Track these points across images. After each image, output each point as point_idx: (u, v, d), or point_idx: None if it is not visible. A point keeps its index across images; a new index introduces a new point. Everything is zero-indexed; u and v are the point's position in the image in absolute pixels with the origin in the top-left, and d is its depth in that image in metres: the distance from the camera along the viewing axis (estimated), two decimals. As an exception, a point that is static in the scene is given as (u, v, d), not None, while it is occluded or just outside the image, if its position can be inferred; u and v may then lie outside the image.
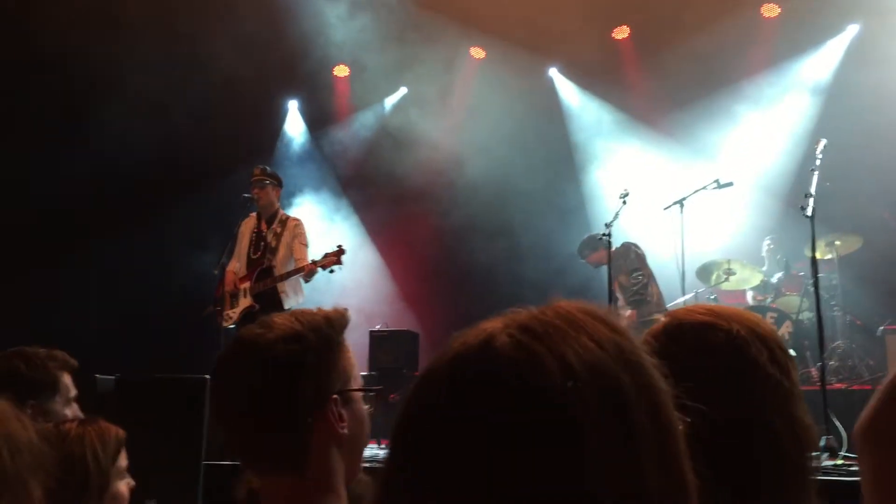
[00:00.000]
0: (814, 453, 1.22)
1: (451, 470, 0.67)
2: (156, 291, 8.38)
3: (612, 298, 6.34)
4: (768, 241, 8.13)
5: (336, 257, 6.11)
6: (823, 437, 4.62)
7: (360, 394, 1.47)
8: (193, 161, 8.84)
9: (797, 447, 1.18)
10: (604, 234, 6.32)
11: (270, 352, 1.38)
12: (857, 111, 7.74)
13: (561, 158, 9.51)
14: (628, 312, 6.96)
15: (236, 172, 7.33)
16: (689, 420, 1.03)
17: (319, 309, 1.48)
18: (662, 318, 1.32)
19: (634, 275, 7.09)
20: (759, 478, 1.16)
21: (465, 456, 0.66)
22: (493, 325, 0.73)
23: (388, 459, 0.73)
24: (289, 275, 6.35)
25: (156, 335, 8.00)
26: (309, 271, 6.18)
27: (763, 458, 1.16)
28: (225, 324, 6.37)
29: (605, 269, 6.59)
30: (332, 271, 6.20)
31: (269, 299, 6.34)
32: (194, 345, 6.63)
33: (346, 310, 1.50)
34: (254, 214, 6.67)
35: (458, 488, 0.66)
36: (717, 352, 1.20)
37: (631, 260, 7.15)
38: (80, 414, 2.55)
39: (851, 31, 8.61)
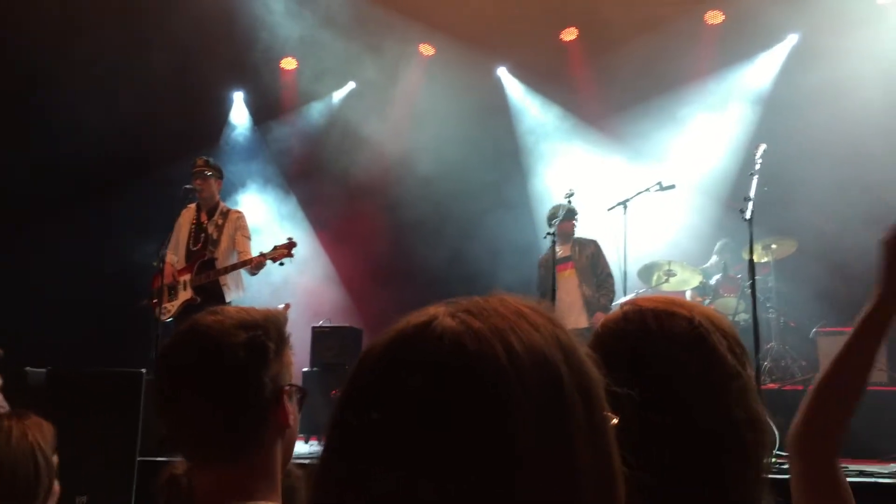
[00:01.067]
0: (772, 449, 1.22)
1: (384, 451, 0.67)
2: (92, 283, 8.17)
3: (554, 292, 6.41)
4: (723, 244, 8.26)
5: (287, 250, 6.02)
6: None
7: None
8: (135, 151, 8.65)
9: (757, 441, 1.17)
10: (549, 233, 6.38)
11: (232, 339, 1.35)
12: (795, 118, 7.95)
13: (508, 157, 9.56)
14: (589, 316, 6.98)
15: (179, 163, 7.19)
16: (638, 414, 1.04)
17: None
18: (620, 305, 1.30)
19: (609, 281, 7.17)
20: (723, 470, 1.15)
21: (399, 436, 0.66)
22: (436, 308, 0.74)
23: (326, 442, 0.73)
24: (234, 267, 6.25)
25: (91, 328, 7.82)
26: (257, 264, 6.08)
27: (727, 450, 1.14)
28: (163, 317, 6.24)
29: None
30: (281, 264, 6.11)
31: (210, 292, 6.23)
32: (130, 338, 6.50)
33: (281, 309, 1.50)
34: (193, 206, 6.54)
35: (390, 469, 0.66)
36: (679, 338, 1.19)
37: (604, 261, 7.23)
38: (4, 405, 2.47)
39: (791, 40, 8.84)
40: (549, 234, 6.38)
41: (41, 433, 2.02)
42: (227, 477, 1.35)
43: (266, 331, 1.39)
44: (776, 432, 4.97)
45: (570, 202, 6.69)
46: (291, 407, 1.42)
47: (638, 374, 1.14)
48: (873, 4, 8.06)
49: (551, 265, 6.51)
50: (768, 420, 1.20)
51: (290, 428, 1.42)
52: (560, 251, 6.91)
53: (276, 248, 6.06)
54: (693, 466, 1.13)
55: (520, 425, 0.66)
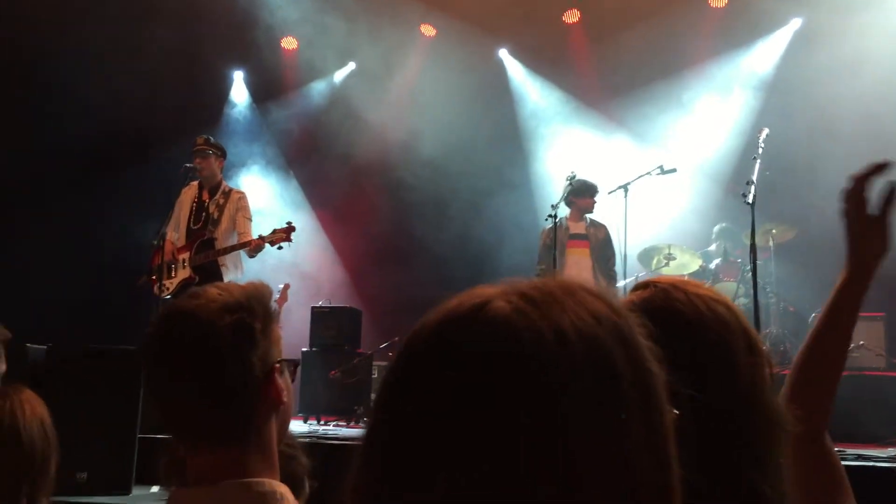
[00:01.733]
0: (785, 437, 1.21)
1: (429, 432, 0.65)
2: (93, 260, 8.17)
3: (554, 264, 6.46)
4: (721, 228, 8.27)
5: (286, 234, 6.02)
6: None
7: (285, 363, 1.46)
8: (136, 129, 8.62)
9: (771, 427, 1.18)
10: (550, 215, 6.38)
11: (218, 322, 1.35)
12: (798, 103, 7.92)
13: (509, 139, 9.53)
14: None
15: (180, 142, 7.17)
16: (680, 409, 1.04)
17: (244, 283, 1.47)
18: (640, 287, 1.29)
19: (615, 271, 7.20)
20: (756, 459, 1.15)
21: (445, 419, 0.65)
22: (490, 290, 0.71)
23: (370, 423, 0.71)
24: (233, 248, 6.25)
25: (91, 305, 7.83)
26: (256, 246, 6.08)
27: (761, 437, 1.15)
28: (162, 294, 6.24)
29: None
30: (280, 248, 6.12)
31: (209, 272, 6.23)
32: (130, 315, 6.50)
33: (267, 284, 1.48)
34: (195, 184, 6.53)
35: (435, 450, 0.65)
36: (730, 325, 1.19)
37: (613, 249, 7.25)
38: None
39: (795, 24, 8.79)
40: (550, 216, 6.35)
41: (42, 406, 2.03)
42: (222, 457, 1.35)
43: (250, 311, 1.38)
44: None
45: (570, 184, 6.69)
46: (284, 382, 1.41)
47: (687, 352, 1.12)
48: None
49: (556, 240, 6.47)
50: (783, 408, 1.21)
51: (285, 404, 1.42)
52: (573, 227, 6.92)
53: (275, 231, 6.06)
54: (727, 450, 1.13)
55: (570, 418, 0.64)
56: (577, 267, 6.92)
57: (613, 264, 7.19)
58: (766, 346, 1.23)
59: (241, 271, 6.49)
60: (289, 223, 6.09)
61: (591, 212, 7.11)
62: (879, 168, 1.44)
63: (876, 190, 1.45)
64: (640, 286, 1.29)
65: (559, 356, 0.65)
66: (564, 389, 0.64)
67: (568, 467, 0.63)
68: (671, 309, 1.21)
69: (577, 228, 7.07)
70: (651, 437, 0.67)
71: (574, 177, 6.68)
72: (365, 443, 0.70)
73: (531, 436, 0.63)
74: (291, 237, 6.04)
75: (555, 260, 6.39)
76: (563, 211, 6.86)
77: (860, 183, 1.45)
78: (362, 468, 0.69)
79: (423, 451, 0.66)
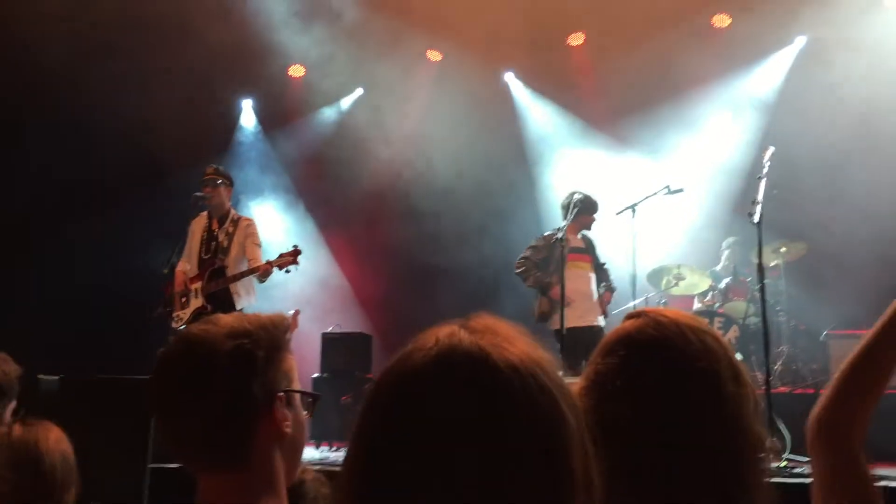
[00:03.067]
0: (763, 453, 1.25)
1: (437, 465, 0.77)
2: (104, 291, 8.20)
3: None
4: (729, 243, 8.27)
5: (292, 257, 6.06)
6: (767, 440, 4.72)
7: (299, 397, 1.47)
8: (146, 158, 8.69)
9: (754, 452, 1.20)
10: (557, 239, 6.38)
11: (220, 347, 1.37)
12: (804, 120, 7.92)
13: (517, 163, 9.56)
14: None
15: (191, 171, 7.22)
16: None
17: (261, 313, 1.49)
18: (644, 314, 1.32)
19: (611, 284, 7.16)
20: (739, 483, 1.18)
21: (448, 454, 0.77)
22: (451, 329, 0.87)
23: (365, 454, 0.84)
24: (242, 275, 6.28)
25: (103, 336, 7.85)
26: (264, 271, 6.11)
27: (741, 461, 1.18)
28: (175, 325, 6.27)
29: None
30: (287, 271, 6.15)
31: (221, 300, 6.26)
32: (142, 346, 6.51)
33: (286, 315, 1.50)
34: (204, 214, 6.58)
35: (442, 479, 0.77)
36: (717, 355, 1.23)
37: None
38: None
39: (799, 42, 8.82)
40: (557, 240, 6.34)
41: (65, 442, 2.07)
42: (225, 481, 1.37)
43: (255, 339, 1.39)
44: (788, 436, 4.95)
45: (577, 207, 6.69)
46: (290, 413, 1.42)
47: (677, 385, 1.19)
48: (881, 6, 8.04)
49: (560, 255, 6.45)
50: (764, 433, 1.24)
51: (288, 434, 1.41)
52: (573, 241, 6.84)
53: (281, 255, 6.11)
54: (703, 476, 1.16)
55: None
56: (582, 281, 6.83)
57: (610, 279, 7.15)
58: (751, 375, 1.25)
59: (254, 297, 6.53)
60: (294, 246, 6.14)
61: (589, 229, 7.04)
62: None
63: None
64: (633, 315, 1.32)
65: (550, 399, 0.82)
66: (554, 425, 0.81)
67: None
68: (662, 339, 1.24)
69: (577, 242, 7.00)
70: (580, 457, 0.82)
71: (576, 193, 6.70)
72: (344, 470, 0.83)
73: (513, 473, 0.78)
74: (298, 260, 6.08)
75: (561, 277, 6.39)
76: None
77: None
78: (340, 492, 0.82)
79: (400, 477, 0.78)
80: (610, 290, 7.04)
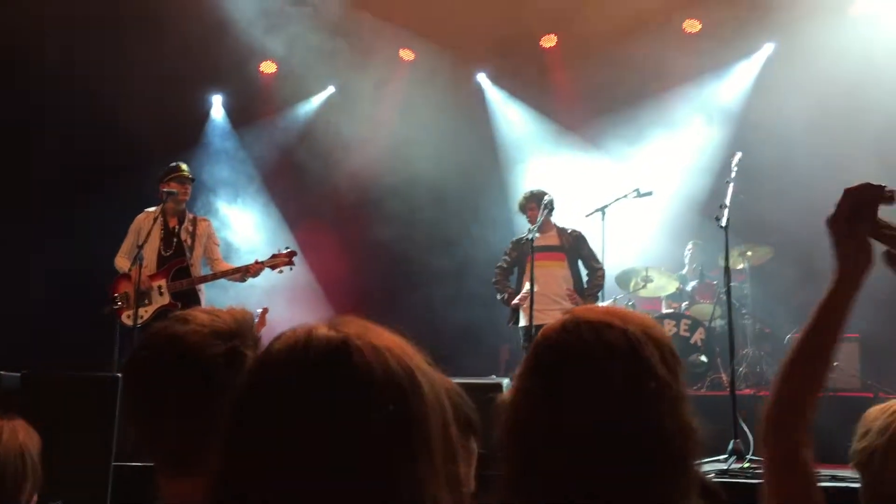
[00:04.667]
0: (700, 457, 1.26)
1: (291, 444, 0.83)
2: (66, 287, 8.08)
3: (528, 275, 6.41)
4: (691, 246, 8.37)
5: (288, 258, 6.11)
6: (731, 441, 4.78)
7: None
8: (110, 153, 8.58)
9: (686, 449, 1.21)
10: (528, 238, 6.39)
11: (212, 350, 1.34)
12: (772, 126, 8.03)
13: (489, 163, 9.58)
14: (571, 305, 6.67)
15: (154, 166, 7.13)
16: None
17: (232, 308, 1.46)
18: (560, 315, 1.34)
19: (600, 272, 6.94)
20: (650, 479, 1.18)
21: (303, 432, 0.83)
22: (334, 329, 0.92)
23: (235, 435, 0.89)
24: (225, 274, 6.31)
25: (65, 333, 7.72)
26: (256, 270, 6.11)
27: (653, 459, 1.18)
28: (130, 322, 6.13)
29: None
30: (280, 271, 6.19)
31: (189, 298, 6.23)
32: (99, 343, 6.44)
33: (253, 311, 1.49)
34: (152, 210, 6.45)
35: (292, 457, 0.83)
36: (614, 349, 1.23)
37: (590, 250, 7.01)
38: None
39: (767, 48, 8.94)
40: (527, 240, 6.33)
41: (29, 437, 2.01)
42: (203, 484, 1.34)
43: (243, 338, 1.37)
44: (751, 438, 5.01)
45: (548, 208, 6.67)
46: None
47: (571, 383, 1.21)
48: (846, 15, 8.18)
49: (524, 256, 6.44)
50: (698, 427, 1.24)
51: None
52: (542, 238, 6.67)
53: (275, 255, 6.13)
54: (618, 472, 1.17)
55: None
56: (554, 280, 6.71)
57: (597, 269, 6.88)
58: (678, 372, 1.27)
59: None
60: (288, 248, 6.18)
61: (533, 222, 6.75)
62: (877, 191, 1.46)
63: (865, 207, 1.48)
64: (566, 313, 1.34)
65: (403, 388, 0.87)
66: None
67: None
68: (562, 340, 1.26)
69: (550, 240, 6.82)
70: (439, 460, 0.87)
71: (552, 200, 6.69)
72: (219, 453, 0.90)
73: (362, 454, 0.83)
74: (293, 261, 6.12)
75: (532, 276, 6.39)
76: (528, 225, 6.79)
77: (850, 196, 1.48)
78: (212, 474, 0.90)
79: (258, 457, 0.84)
80: (588, 287, 6.83)
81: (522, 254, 6.75)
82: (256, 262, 6.12)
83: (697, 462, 1.24)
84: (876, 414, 1.59)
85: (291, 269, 6.21)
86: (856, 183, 1.50)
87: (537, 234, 6.55)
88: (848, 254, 1.47)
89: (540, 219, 6.62)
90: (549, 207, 6.76)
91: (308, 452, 0.82)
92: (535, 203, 6.78)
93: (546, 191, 6.87)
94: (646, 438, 1.18)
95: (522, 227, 7.21)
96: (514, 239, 7.11)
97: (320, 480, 0.82)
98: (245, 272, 6.13)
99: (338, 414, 0.83)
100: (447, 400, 0.92)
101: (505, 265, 7.01)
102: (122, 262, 6.36)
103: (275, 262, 6.10)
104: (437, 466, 0.87)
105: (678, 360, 1.28)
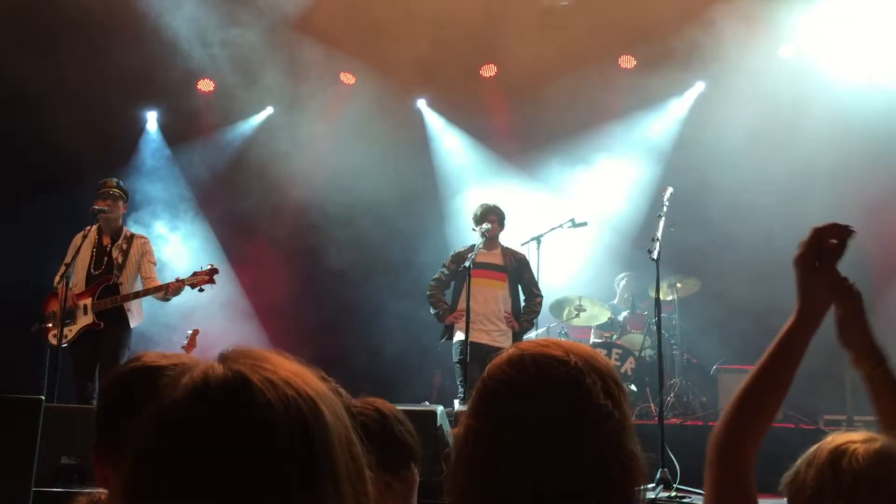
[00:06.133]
0: (642, 485, 1.29)
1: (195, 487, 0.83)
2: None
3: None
4: (623, 277, 8.52)
5: (208, 276, 5.98)
6: (658, 470, 4.87)
7: None
8: (40, 167, 8.34)
9: (626, 477, 1.25)
10: (463, 267, 6.33)
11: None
12: (701, 162, 8.27)
13: (428, 190, 9.61)
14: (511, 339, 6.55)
15: (85, 182, 6.96)
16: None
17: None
18: (507, 349, 1.37)
19: (538, 300, 6.85)
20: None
21: (208, 477, 0.83)
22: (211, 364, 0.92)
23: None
24: (147, 292, 6.13)
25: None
26: (175, 289, 5.98)
27: (597, 488, 1.22)
28: (55, 342, 5.96)
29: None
30: (201, 290, 6.04)
31: (114, 317, 6.07)
32: (26, 363, 6.23)
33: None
34: (92, 228, 6.30)
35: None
36: (556, 382, 1.26)
37: (532, 276, 6.95)
38: None
39: (699, 87, 9.24)
40: (463, 268, 6.27)
41: None
42: None
43: None
44: (678, 467, 5.10)
45: (483, 236, 6.52)
46: None
47: (515, 417, 1.24)
48: (774, 56, 8.50)
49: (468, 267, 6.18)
50: (641, 455, 1.28)
51: None
52: (486, 255, 6.56)
53: (195, 273, 6.01)
54: (560, 499, 1.20)
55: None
56: (492, 299, 6.61)
57: (535, 296, 6.80)
58: (646, 406, 1.32)
59: (142, 316, 6.37)
60: (211, 265, 6.07)
61: (496, 236, 6.71)
62: (841, 230, 1.50)
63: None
64: (511, 348, 1.37)
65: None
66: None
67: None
68: (507, 374, 1.30)
69: (493, 258, 6.71)
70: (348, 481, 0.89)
71: (488, 228, 6.57)
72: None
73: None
74: (214, 279, 6.00)
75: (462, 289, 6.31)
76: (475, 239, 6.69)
77: (817, 237, 1.52)
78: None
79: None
80: (525, 312, 6.74)
81: (459, 267, 6.53)
82: (177, 280, 6.01)
83: (639, 489, 1.28)
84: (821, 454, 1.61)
85: (212, 286, 6.09)
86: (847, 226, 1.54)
87: (483, 250, 6.49)
88: (811, 291, 1.51)
89: (489, 228, 6.50)
90: (503, 225, 6.74)
91: (215, 495, 0.83)
92: (495, 216, 6.69)
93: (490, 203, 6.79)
94: (589, 468, 1.22)
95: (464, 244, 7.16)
96: (455, 251, 6.94)
97: None
98: (166, 290, 6.01)
99: (241, 454, 0.83)
100: (348, 422, 0.93)
101: (443, 277, 6.82)
102: (59, 280, 6.20)
103: (195, 279, 5.99)
104: (344, 490, 0.88)
105: (622, 389, 1.32)
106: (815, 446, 1.54)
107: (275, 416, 0.85)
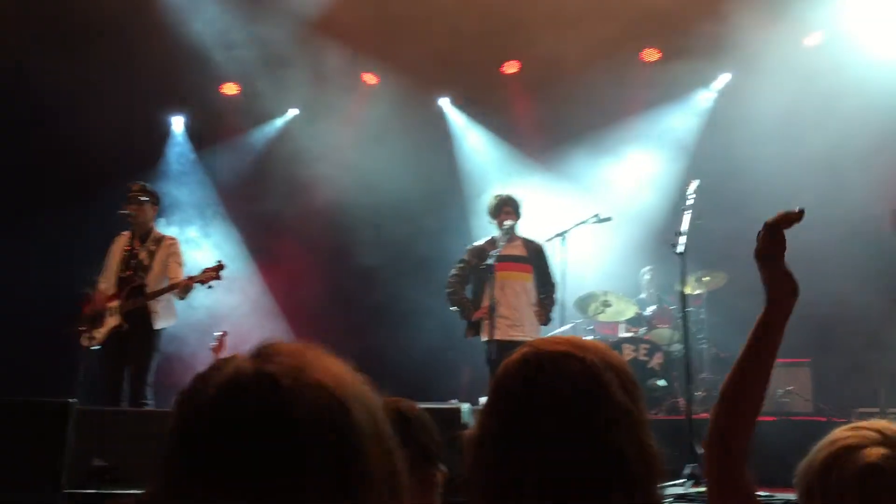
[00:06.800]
0: (661, 480, 1.29)
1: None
2: (24, 308, 7.90)
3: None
4: (647, 271, 8.46)
5: (215, 272, 6.01)
6: (688, 465, 4.82)
7: None
8: (71, 173, 8.45)
9: (647, 473, 1.23)
10: (486, 264, 6.30)
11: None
12: (727, 155, 8.19)
13: (453, 189, 9.60)
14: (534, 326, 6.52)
15: (117, 187, 7.04)
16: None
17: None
18: (522, 348, 1.36)
19: (554, 289, 6.75)
20: (610, 500, 1.21)
21: (242, 482, 0.82)
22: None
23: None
24: (161, 292, 6.17)
25: (18, 354, 7.55)
26: (184, 287, 6.03)
27: (615, 485, 1.21)
28: (87, 344, 6.06)
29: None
30: (210, 286, 6.07)
31: (139, 319, 6.13)
32: (57, 366, 6.31)
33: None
34: (126, 233, 6.43)
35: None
36: (574, 380, 1.25)
37: (550, 264, 6.83)
38: None
39: (724, 78, 9.15)
40: (486, 265, 6.24)
41: None
42: None
43: None
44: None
45: (507, 234, 6.50)
46: None
47: (532, 416, 1.24)
48: (800, 46, 8.40)
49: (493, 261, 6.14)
50: (660, 451, 1.27)
51: None
52: (508, 248, 6.45)
53: (204, 270, 6.06)
54: (582, 500, 1.20)
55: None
56: (520, 292, 6.49)
57: (553, 286, 6.72)
58: (673, 401, 1.31)
59: (175, 318, 6.41)
60: (219, 262, 6.10)
61: (507, 227, 6.55)
62: (793, 216, 1.54)
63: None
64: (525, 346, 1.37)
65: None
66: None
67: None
68: (533, 373, 1.29)
69: (516, 249, 6.60)
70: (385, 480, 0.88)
71: (512, 226, 6.51)
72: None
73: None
74: (221, 275, 6.02)
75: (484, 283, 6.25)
76: (493, 232, 6.65)
77: (773, 229, 1.57)
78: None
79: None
80: (542, 305, 6.61)
81: (481, 260, 6.45)
82: (188, 278, 6.06)
83: (659, 486, 1.26)
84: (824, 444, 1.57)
85: (220, 283, 6.11)
86: (797, 209, 1.56)
87: (503, 242, 6.42)
88: (775, 282, 1.57)
89: (512, 223, 6.45)
90: (520, 215, 6.65)
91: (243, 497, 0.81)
92: (512, 208, 6.60)
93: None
94: (607, 465, 1.21)
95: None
96: (471, 246, 6.84)
97: None
98: (178, 289, 6.05)
99: (271, 462, 0.82)
100: (386, 425, 0.92)
101: (461, 273, 6.66)
102: (101, 284, 6.29)
103: (203, 276, 6.02)
104: (378, 489, 0.86)
105: (637, 385, 1.32)
106: (825, 439, 1.48)
107: (304, 425, 0.84)
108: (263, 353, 0.91)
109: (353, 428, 0.86)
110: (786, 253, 1.58)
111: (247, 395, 0.85)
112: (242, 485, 0.81)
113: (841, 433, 1.42)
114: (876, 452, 1.34)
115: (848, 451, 1.36)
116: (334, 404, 0.86)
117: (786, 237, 1.59)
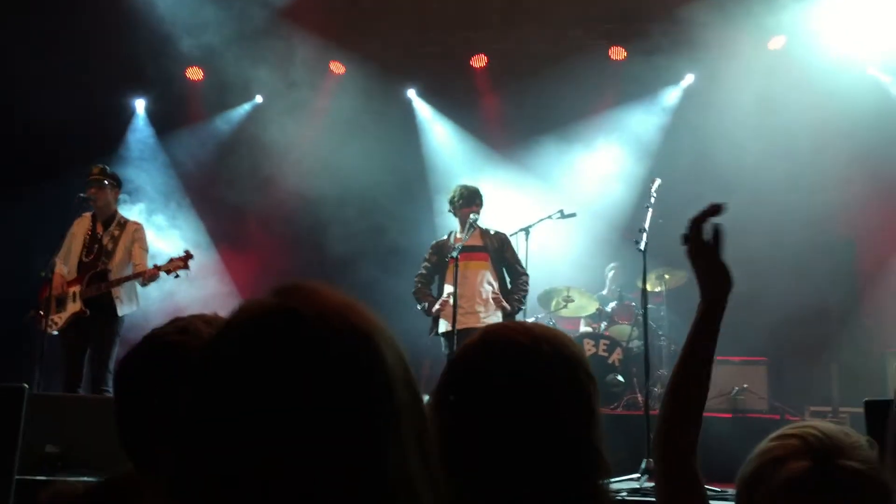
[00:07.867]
0: (607, 475, 1.29)
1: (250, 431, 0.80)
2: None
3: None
4: (612, 268, 8.53)
5: (183, 262, 5.95)
6: (644, 460, 4.89)
7: None
8: (29, 155, 8.29)
9: (591, 468, 1.24)
10: (452, 257, 6.29)
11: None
12: (690, 154, 8.28)
13: (415, 178, 9.59)
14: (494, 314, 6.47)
15: (76, 170, 6.91)
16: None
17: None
18: (481, 330, 1.37)
19: (524, 278, 6.71)
20: (555, 498, 1.21)
21: (264, 415, 0.80)
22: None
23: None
24: (126, 279, 6.08)
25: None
26: (150, 276, 5.96)
27: (558, 478, 1.21)
28: (48, 330, 5.97)
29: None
30: (177, 276, 6.00)
31: (101, 305, 6.03)
32: (13, 351, 6.20)
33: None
34: (88, 215, 6.32)
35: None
36: (521, 370, 1.26)
37: (514, 254, 6.79)
38: None
39: (688, 79, 9.25)
40: (452, 258, 6.25)
41: None
42: None
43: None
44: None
45: (471, 226, 6.44)
46: None
47: (478, 403, 1.25)
48: (764, 49, 8.52)
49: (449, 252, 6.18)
50: (605, 447, 1.28)
51: None
52: (466, 238, 6.39)
53: (171, 260, 5.98)
54: (523, 491, 1.20)
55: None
56: (477, 282, 6.48)
57: (520, 274, 6.66)
58: (633, 397, 1.32)
59: (137, 304, 6.32)
60: (186, 251, 6.04)
61: (466, 220, 6.52)
62: (713, 210, 1.57)
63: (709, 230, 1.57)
64: (482, 331, 1.38)
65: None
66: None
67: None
68: (483, 360, 1.30)
69: (473, 240, 6.52)
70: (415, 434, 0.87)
71: (476, 219, 6.49)
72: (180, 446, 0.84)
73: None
74: (189, 265, 5.95)
75: (446, 275, 6.27)
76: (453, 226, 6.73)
77: (697, 225, 1.61)
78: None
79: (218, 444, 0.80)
80: (509, 292, 6.57)
81: (443, 256, 6.51)
82: (155, 267, 5.99)
83: (604, 481, 1.27)
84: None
85: (188, 272, 6.04)
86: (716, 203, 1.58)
87: (461, 234, 6.43)
88: (708, 277, 1.60)
89: (477, 216, 6.46)
90: (460, 202, 6.63)
91: (277, 437, 0.79)
92: (480, 200, 6.63)
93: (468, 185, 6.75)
94: (550, 458, 1.21)
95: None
96: (434, 242, 6.88)
97: (291, 455, 0.79)
98: (142, 276, 5.98)
99: (296, 391, 0.80)
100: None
101: (425, 272, 6.73)
102: (59, 267, 6.17)
103: (171, 266, 5.96)
104: (406, 425, 0.86)
105: (591, 378, 1.32)
106: (757, 447, 1.45)
107: (329, 349, 0.83)
108: (284, 290, 0.91)
109: (379, 358, 0.87)
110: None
111: (273, 329, 0.85)
112: (275, 420, 0.80)
113: (767, 443, 1.38)
114: (798, 466, 1.30)
115: (773, 464, 1.33)
116: (358, 331, 0.87)
117: (726, 235, 1.61)
